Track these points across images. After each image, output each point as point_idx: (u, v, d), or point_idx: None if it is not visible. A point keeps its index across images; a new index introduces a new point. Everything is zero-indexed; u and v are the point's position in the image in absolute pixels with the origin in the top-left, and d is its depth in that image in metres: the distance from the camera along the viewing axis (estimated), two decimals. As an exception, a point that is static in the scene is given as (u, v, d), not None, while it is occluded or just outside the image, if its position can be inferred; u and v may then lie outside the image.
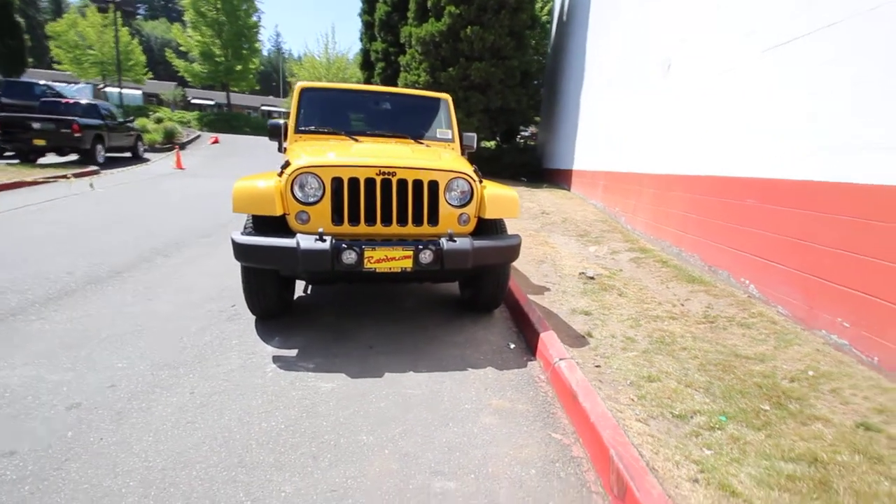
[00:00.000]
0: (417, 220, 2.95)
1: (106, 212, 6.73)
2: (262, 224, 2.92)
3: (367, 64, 18.06)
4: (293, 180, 2.82)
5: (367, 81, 18.18)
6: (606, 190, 7.37)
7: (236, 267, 4.25)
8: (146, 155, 14.87)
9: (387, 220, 2.91)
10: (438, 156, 3.45)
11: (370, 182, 2.87)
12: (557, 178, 11.35)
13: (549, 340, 2.74)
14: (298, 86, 4.09)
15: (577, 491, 1.74)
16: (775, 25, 3.55)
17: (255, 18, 30.35)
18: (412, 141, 4.02)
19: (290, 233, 2.84)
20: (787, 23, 3.43)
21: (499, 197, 3.12)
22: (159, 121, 19.81)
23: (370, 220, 2.89)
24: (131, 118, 14.83)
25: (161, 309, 3.34)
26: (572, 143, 9.97)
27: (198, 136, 20.12)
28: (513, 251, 3.03)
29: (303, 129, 3.96)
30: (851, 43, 2.87)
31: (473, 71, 11.88)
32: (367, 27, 17.56)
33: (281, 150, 4.09)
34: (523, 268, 4.58)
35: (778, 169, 3.41)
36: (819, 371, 2.50)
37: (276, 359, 2.67)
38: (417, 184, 2.93)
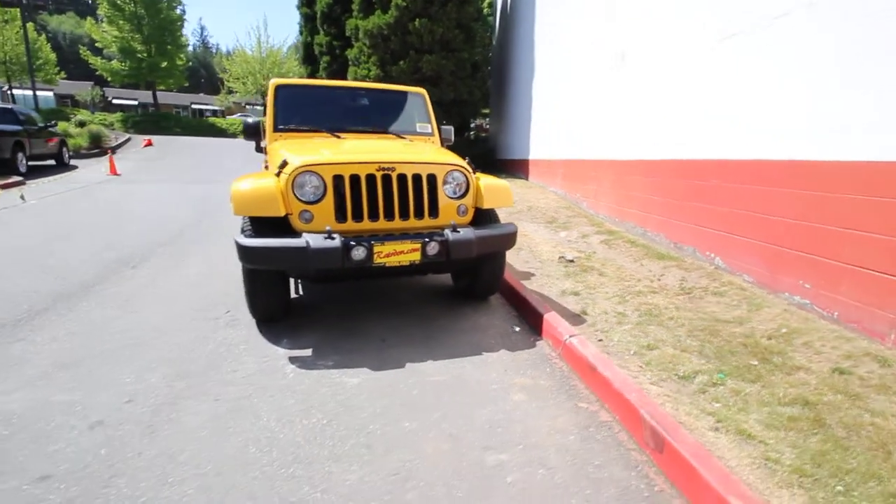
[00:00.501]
0: (418, 214, 3.02)
1: (50, 224, 6.23)
2: (262, 226, 2.87)
3: (309, 58, 17.57)
4: (294, 180, 2.80)
5: (311, 76, 17.71)
6: (566, 177, 7.70)
7: (214, 275, 4.20)
8: (73, 162, 13.71)
9: (389, 216, 2.96)
10: (427, 150, 3.52)
11: (371, 178, 2.90)
12: (513, 168, 11.65)
13: (553, 321, 2.91)
14: (273, 82, 4.00)
15: (615, 450, 1.91)
16: (729, 17, 3.90)
17: (178, 11, 28.51)
18: (394, 136, 4.06)
19: (291, 233, 2.82)
20: (740, 15, 3.78)
21: (494, 187, 3.25)
22: (82, 124, 18.26)
23: (373, 216, 2.93)
24: (53, 122, 13.57)
25: (151, 321, 3.20)
26: (527, 133, 10.27)
27: (128, 140, 18.74)
28: (511, 238, 3.17)
29: (282, 127, 3.89)
30: (799, 33, 3.23)
31: (424, 64, 11.89)
32: (308, 20, 17.06)
33: (259, 149, 3.99)
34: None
35: (736, 150, 3.77)
36: (790, 328, 2.84)
37: (292, 359, 2.66)
38: (416, 178, 3.00)
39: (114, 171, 12.19)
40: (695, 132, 4.27)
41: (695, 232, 4.30)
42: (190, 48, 43.69)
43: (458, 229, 2.97)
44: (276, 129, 3.86)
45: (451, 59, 12.14)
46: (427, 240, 2.85)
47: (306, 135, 3.88)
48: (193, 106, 41.13)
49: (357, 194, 2.89)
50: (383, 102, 4.35)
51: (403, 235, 2.88)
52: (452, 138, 4.49)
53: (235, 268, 4.51)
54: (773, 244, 3.36)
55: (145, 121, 26.68)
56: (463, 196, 3.14)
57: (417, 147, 3.57)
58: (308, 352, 2.76)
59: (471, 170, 3.19)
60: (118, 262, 4.59)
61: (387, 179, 2.94)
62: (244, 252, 2.66)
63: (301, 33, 17.69)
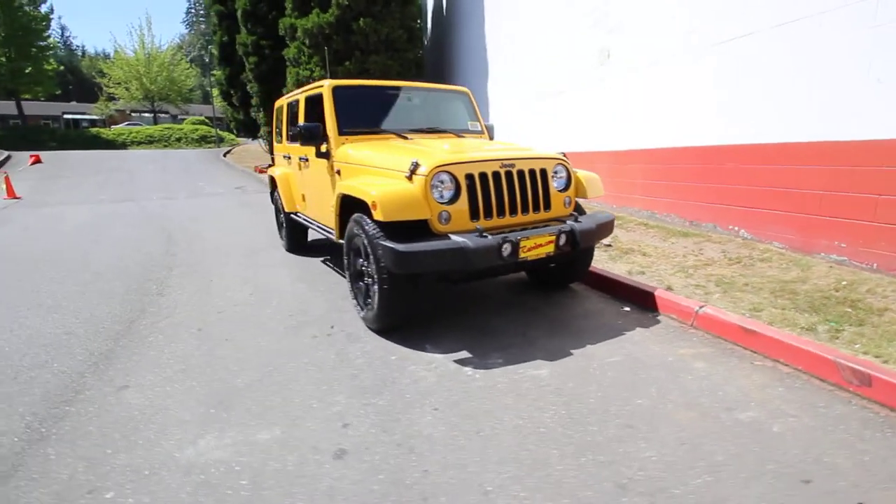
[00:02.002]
0: (535, 208, 3.11)
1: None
2: (395, 231, 2.77)
3: (227, 59, 16.33)
4: (431, 181, 2.75)
5: (232, 77, 16.50)
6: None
7: (269, 292, 3.91)
8: (-54, 185, 11.40)
9: (513, 211, 3.02)
10: (518, 146, 3.60)
11: (496, 175, 2.94)
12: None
13: (667, 296, 3.19)
14: (329, 84, 3.81)
15: (823, 392, 2.21)
16: (743, 19, 4.48)
17: (43, 10, 24.78)
18: (453, 135, 4.08)
19: (430, 235, 2.77)
20: (734, 25, 4.37)
21: (591, 179, 3.44)
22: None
23: (500, 212, 2.97)
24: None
25: (261, 346, 2.93)
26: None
27: (8, 157, 15.93)
28: (612, 226, 3.39)
29: (347, 130, 3.73)
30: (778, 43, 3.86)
31: (371, 64, 11.69)
32: (223, 18, 15.83)
33: (321, 154, 3.76)
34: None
35: (753, 136, 4.35)
36: (848, 280, 3.40)
37: (461, 362, 2.63)
38: (531, 173, 3.09)
39: (12, 195, 10.42)
40: (708, 123, 4.82)
41: (712, 209, 4.87)
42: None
43: (580, 219, 3.13)
44: (341, 133, 3.69)
45: (397, 60, 12.08)
46: (560, 231, 2.96)
47: (375, 137, 3.77)
48: (66, 116, 35.71)
49: (486, 192, 2.91)
50: (432, 102, 4.34)
51: (539, 228, 2.96)
52: (495, 136, 4.60)
53: (285, 282, 4.27)
54: (803, 213, 3.96)
55: (11, 136, 22.89)
56: (566, 188, 3.29)
57: (509, 144, 3.63)
58: (463, 353, 2.74)
59: (570, 163, 3.36)
60: (134, 292, 4.06)
61: (509, 176, 3.00)
62: (401, 258, 2.57)
63: (215, 32, 16.36)
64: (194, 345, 2.99)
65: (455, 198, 2.82)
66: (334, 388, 2.40)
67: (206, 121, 31.89)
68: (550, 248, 2.95)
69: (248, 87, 15.14)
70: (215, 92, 33.66)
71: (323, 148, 3.76)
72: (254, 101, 15.04)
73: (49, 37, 25.84)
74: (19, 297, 3.99)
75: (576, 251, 3.09)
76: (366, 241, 2.87)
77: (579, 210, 3.54)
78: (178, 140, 27.29)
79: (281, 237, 5.70)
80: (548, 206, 3.17)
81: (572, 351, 2.72)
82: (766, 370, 2.44)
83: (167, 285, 4.30)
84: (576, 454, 1.83)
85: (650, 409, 2.13)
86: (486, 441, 1.93)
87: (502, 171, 2.97)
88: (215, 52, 16.75)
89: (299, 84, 12.04)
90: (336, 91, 3.79)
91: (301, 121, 4.40)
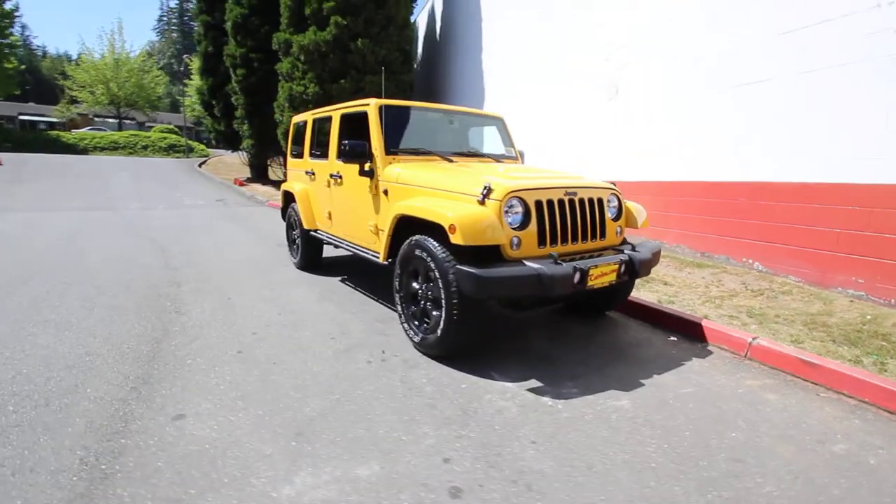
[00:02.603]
0: (593, 236, 3.14)
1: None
2: (467, 256, 2.71)
3: (211, 69, 15.97)
4: (504, 206, 2.73)
5: (215, 89, 16.11)
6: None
7: (298, 313, 3.79)
8: None
9: (574, 239, 3.03)
10: (563, 174, 3.63)
11: (560, 203, 2.96)
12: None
13: (716, 327, 3.27)
14: (376, 103, 3.76)
15: (894, 423, 2.28)
16: (754, 68, 4.76)
17: (8, 7, 23.63)
18: (492, 160, 4.10)
19: (501, 261, 2.73)
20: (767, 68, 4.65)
21: (638, 209, 3.51)
22: None
23: (563, 239, 2.97)
24: None
25: (315, 371, 2.78)
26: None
27: (-40, 156, 14.81)
28: (660, 255, 3.46)
29: (394, 150, 3.68)
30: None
31: (368, 84, 11.70)
32: (210, 28, 15.54)
33: (365, 173, 3.67)
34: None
35: (769, 173, 4.59)
36: (872, 314, 3.58)
37: (537, 391, 2.57)
38: (590, 201, 3.13)
39: (-27, 197, 9.65)
40: (723, 161, 5.05)
41: (724, 242, 5.06)
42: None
43: (637, 248, 3.18)
44: (388, 152, 3.63)
45: (393, 81, 12.14)
46: (622, 260, 2.99)
47: (420, 158, 3.73)
48: (22, 117, 33.61)
49: (553, 218, 2.91)
50: (470, 126, 4.35)
51: (604, 257, 2.98)
52: (525, 162, 4.65)
53: (310, 301, 4.12)
54: (820, 249, 4.18)
55: (-39, 134, 21.38)
56: (618, 217, 3.34)
57: (559, 172, 3.65)
58: (534, 382, 2.68)
59: (621, 193, 3.42)
60: (148, 309, 3.80)
61: (571, 203, 3.02)
62: (483, 283, 2.52)
63: (199, 42, 15.98)
64: (241, 369, 2.80)
65: (525, 223, 2.81)
66: (416, 418, 2.29)
67: (176, 130, 30.88)
68: (613, 277, 2.97)
69: (232, 99, 14.81)
70: (187, 101, 32.80)
71: (367, 166, 3.68)
72: (238, 113, 14.70)
73: (12, 34, 24.51)
74: (20, 313, 3.65)
75: (632, 280, 3.12)
76: (432, 265, 2.80)
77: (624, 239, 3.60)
78: (145, 148, 26.23)
79: (292, 254, 5.50)
80: (603, 235, 3.21)
81: (642, 381, 2.72)
82: (834, 402, 2.51)
83: (182, 302, 4.04)
84: (699, 490, 1.80)
85: (747, 442, 2.13)
86: (602, 478, 1.87)
87: (566, 199, 2.99)
88: (199, 61, 16.32)
89: (292, 99, 11.90)
90: (383, 110, 3.74)
91: (334, 138, 4.32)
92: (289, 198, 5.46)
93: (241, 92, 14.17)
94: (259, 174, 17.42)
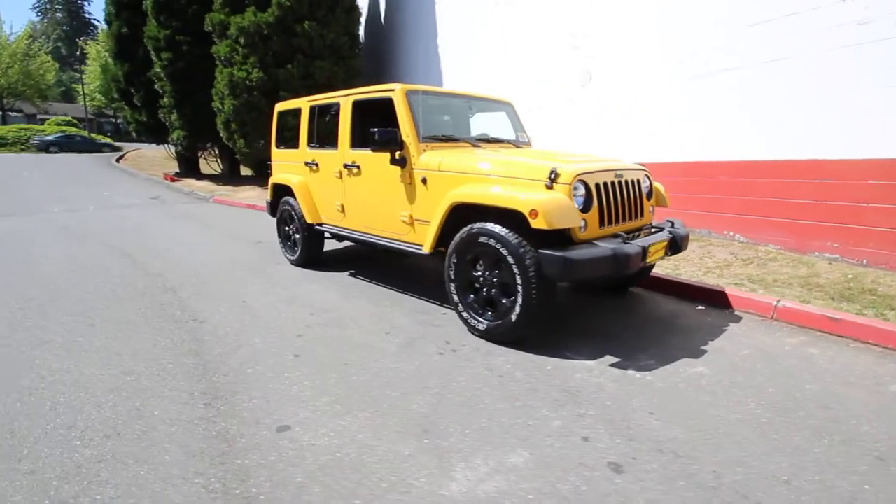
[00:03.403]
0: (634, 215, 3.30)
1: None
2: (538, 240, 2.75)
3: (126, 53, 14.38)
4: (573, 189, 2.79)
5: (132, 75, 14.54)
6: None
7: (318, 314, 3.72)
8: None
9: (622, 218, 3.17)
10: (596, 156, 3.75)
11: (612, 185, 3.08)
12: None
13: (741, 294, 3.60)
14: (401, 88, 3.63)
15: (922, 366, 2.67)
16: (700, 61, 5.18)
17: None
18: (512, 145, 4.14)
19: (571, 242, 2.80)
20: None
21: (663, 190, 3.72)
22: None
23: (616, 220, 3.10)
24: None
25: (392, 367, 2.69)
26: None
27: None
28: None
29: (427, 136, 3.59)
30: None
31: (317, 69, 11.16)
32: (123, 8, 13.95)
33: (396, 161, 3.55)
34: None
35: (747, 153, 5.05)
36: (852, 274, 4.11)
37: (616, 366, 2.68)
38: (632, 182, 3.28)
39: None
40: (706, 138, 5.47)
41: (706, 217, 5.51)
42: None
43: (675, 225, 3.39)
44: (422, 140, 3.54)
45: (343, 67, 11.69)
46: (669, 237, 3.18)
47: (450, 145, 3.67)
48: None
49: (608, 200, 3.02)
50: (486, 111, 4.33)
51: (654, 235, 3.14)
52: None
53: (333, 298, 3.95)
54: (798, 219, 4.70)
55: None
56: (650, 196, 3.53)
57: (591, 155, 3.76)
58: (610, 358, 2.79)
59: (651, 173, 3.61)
60: (160, 320, 3.48)
61: (620, 185, 3.15)
62: (571, 265, 2.57)
63: (110, 24, 14.29)
64: (313, 372, 2.64)
65: (589, 205, 2.90)
66: (528, 403, 2.31)
67: (75, 122, 27.53)
68: (662, 253, 3.16)
69: (156, 86, 13.47)
70: (88, 89, 29.22)
71: (397, 155, 3.56)
72: (164, 102, 13.41)
73: None
74: (10, 333, 3.15)
75: (674, 254, 3.33)
76: (504, 251, 2.80)
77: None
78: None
79: (286, 250, 5.19)
80: (641, 214, 3.38)
81: (703, 348, 2.93)
82: (864, 350, 2.88)
83: (191, 309, 3.70)
84: (815, 437, 2.01)
85: (823, 391, 2.40)
86: (732, 437, 2.02)
87: (616, 181, 3.11)
88: (111, 44, 14.59)
89: (233, 85, 11.06)
90: (409, 95, 3.62)
91: (346, 126, 4.11)
92: (281, 191, 5.13)
93: (167, 78, 12.94)
94: (190, 168, 16.09)
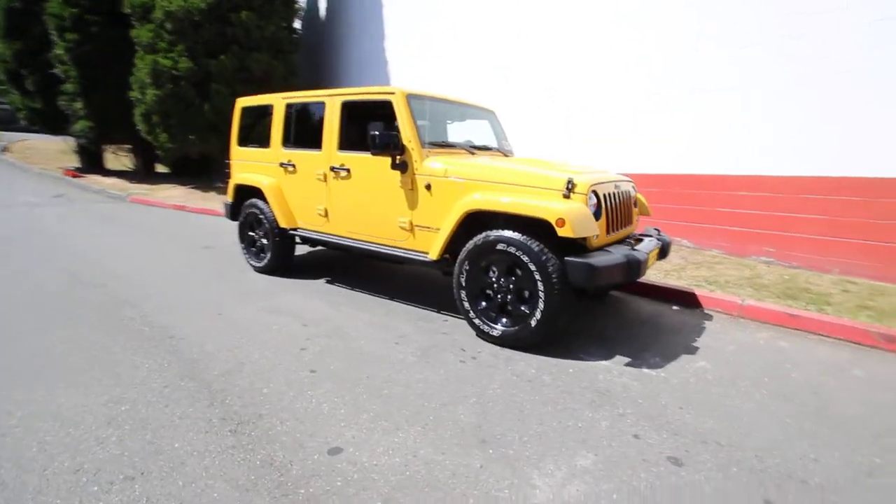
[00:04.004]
0: (625, 223, 3.53)
1: None
2: (556, 248, 2.85)
3: (17, 30, 12.51)
4: (588, 199, 2.92)
5: (23, 55, 12.66)
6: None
7: (312, 324, 3.75)
8: None
9: (619, 227, 3.38)
10: (589, 167, 3.93)
11: (613, 195, 3.27)
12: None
13: (709, 294, 3.97)
14: (401, 91, 3.56)
15: (867, 349, 3.13)
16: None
17: None
18: (501, 153, 4.23)
19: (584, 251, 2.93)
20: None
21: (645, 200, 4.00)
22: None
23: (615, 228, 3.30)
24: None
25: (415, 378, 2.64)
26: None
27: None
28: None
29: (429, 142, 3.56)
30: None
31: (254, 62, 10.51)
32: (12, -24, 12.09)
33: (397, 166, 3.47)
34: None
35: (695, 167, 5.59)
36: (788, 275, 4.70)
37: (630, 366, 2.84)
38: (625, 193, 3.50)
39: None
40: (650, 156, 5.95)
41: (659, 224, 5.99)
42: None
43: (661, 234, 3.66)
44: (425, 146, 3.49)
45: (282, 62, 11.13)
46: (659, 244, 3.43)
47: (448, 151, 3.67)
48: None
49: (610, 209, 3.20)
50: (473, 118, 4.36)
51: (647, 242, 3.37)
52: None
53: (319, 307, 3.81)
54: (739, 227, 5.29)
55: None
56: (635, 206, 3.79)
57: (581, 165, 3.93)
58: (621, 358, 2.95)
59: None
60: (136, 339, 3.11)
61: (617, 195, 3.35)
62: (594, 272, 2.69)
63: (-5, -8, 12.31)
64: (338, 388, 2.50)
65: (599, 215, 3.04)
66: (568, 406, 2.37)
67: (-66, 103, 23.29)
68: (655, 259, 3.40)
69: (57, 70, 11.85)
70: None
71: (398, 159, 3.48)
72: (67, 88, 11.85)
73: None
74: (-59, 362, 2.62)
75: (661, 259, 3.60)
76: (525, 258, 2.85)
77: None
78: None
79: (250, 257, 4.83)
80: (631, 222, 3.62)
81: (694, 345, 3.20)
82: (820, 341, 3.33)
83: (162, 325, 3.32)
84: (823, 412, 2.30)
85: (809, 379, 2.74)
86: (767, 421, 2.25)
87: (615, 191, 3.31)
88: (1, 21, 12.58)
89: (157, 74, 10.06)
90: (410, 100, 3.56)
91: (333, 127, 3.94)
92: (245, 193, 4.78)
93: (71, 62, 11.47)
94: (92, 163, 14.38)
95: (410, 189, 3.52)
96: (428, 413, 2.29)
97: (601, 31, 6.33)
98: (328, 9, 12.58)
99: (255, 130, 4.83)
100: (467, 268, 3.15)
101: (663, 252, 3.54)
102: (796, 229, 4.90)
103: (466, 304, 3.20)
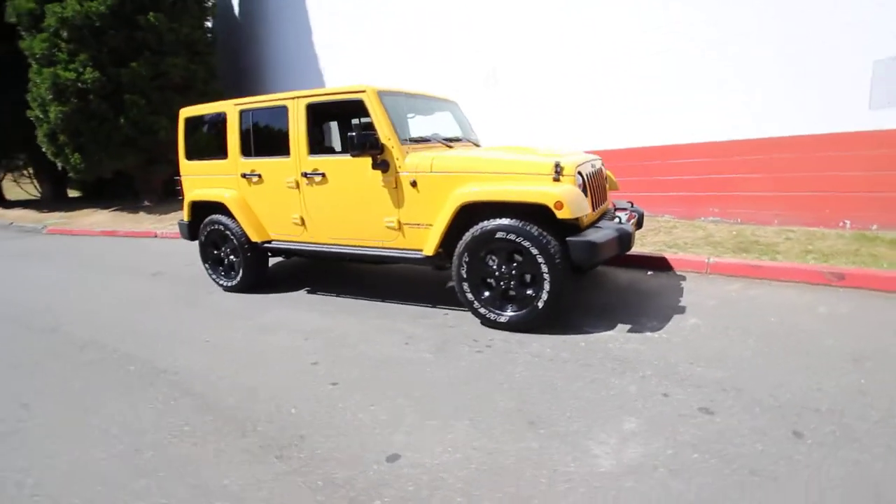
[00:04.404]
0: (602, 200, 3.72)
1: None
2: (550, 228, 2.96)
3: None
4: (575, 180, 3.05)
5: None
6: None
7: (313, 337, 3.44)
8: None
9: (599, 203, 3.56)
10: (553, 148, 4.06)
11: (592, 174, 3.43)
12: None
13: (678, 257, 4.30)
14: (371, 89, 3.50)
15: (822, 287, 3.55)
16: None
17: None
18: (472, 143, 4.28)
19: (576, 229, 3.07)
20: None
21: (612, 175, 4.22)
22: None
23: (596, 205, 3.47)
24: None
25: (440, 377, 2.65)
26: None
27: None
28: None
29: (406, 139, 3.54)
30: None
31: (171, 68, 9.76)
32: None
33: (378, 166, 3.42)
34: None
35: (645, 140, 5.96)
36: (736, 230, 5.17)
37: (634, 332, 3.02)
38: (599, 170, 3.69)
39: None
40: (602, 133, 6.26)
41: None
42: None
43: (634, 206, 3.89)
44: (403, 142, 3.46)
45: (202, 65, 10.43)
46: (635, 216, 3.66)
47: (425, 146, 3.67)
48: None
49: (592, 187, 3.37)
50: (439, 111, 4.36)
51: (627, 215, 3.57)
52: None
53: (310, 318, 3.88)
54: (688, 192, 5.72)
55: None
56: (605, 181, 4.00)
57: (551, 146, 4.05)
58: (622, 326, 3.12)
59: (602, 162, 4.06)
60: (119, 380, 2.87)
61: (594, 173, 3.52)
62: (595, 249, 2.83)
63: None
64: (369, 395, 2.46)
65: (585, 194, 3.18)
66: (595, 377, 2.50)
67: None
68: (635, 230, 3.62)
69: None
70: None
71: (378, 158, 3.43)
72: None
73: None
74: None
75: (638, 230, 3.84)
76: (526, 243, 2.94)
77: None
78: None
79: (218, 277, 4.56)
80: (605, 198, 3.82)
81: (680, 304, 3.46)
82: (782, 286, 3.72)
83: (147, 360, 3.09)
84: (808, 355, 2.59)
85: (784, 322, 3.05)
86: (763, 368, 2.49)
87: (592, 170, 3.47)
88: None
89: (60, 89, 9.06)
90: (382, 97, 3.50)
91: (300, 132, 3.79)
92: (203, 210, 4.48)
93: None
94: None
95: (394, 188, 3.48)
96: (467, 405, 2.33)
97: (545, 16, 6.52)
98: (242, 6, 11.90)
99: (205, 141, 4.52)
100: (467, 259, 3.18)
101: (639, 223, 3.78)
102: (736, 188, 5.40)
103: (470, 296, 3.24)
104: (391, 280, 4.59)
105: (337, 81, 9.87)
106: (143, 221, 9.36)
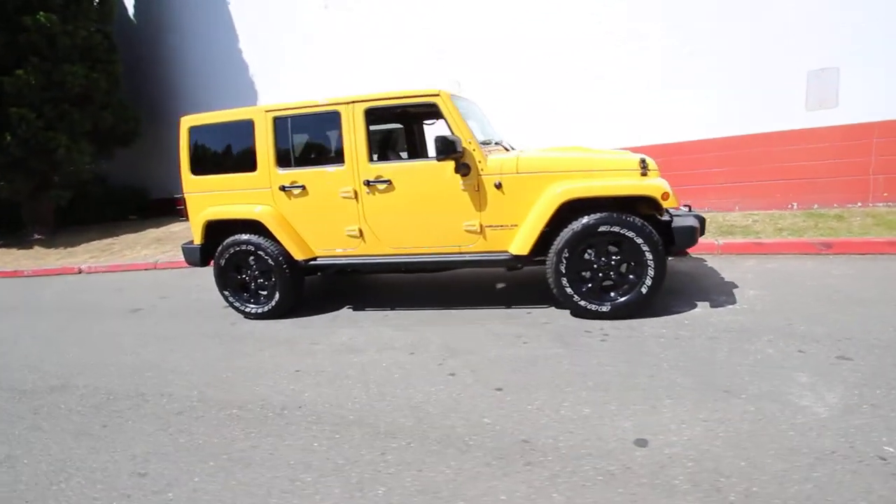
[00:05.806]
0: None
1: None
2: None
3: None
4: (659, 173, 3.34)
5: None
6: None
7: (420, 348, 3.57)
8: None
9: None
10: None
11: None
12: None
13: (689, 241, 4.82)
14: (444, 92, 3.47)
15: (814, 257, 4.28)
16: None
17: None
18: (502, 147, 4.39)
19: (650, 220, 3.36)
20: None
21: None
22: None
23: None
24: None
25: (549, 357, 2.72)
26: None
27: None
28: None
29: (482, 141, 3.56)
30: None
31: (68, 76, 8.32)
32: None
33: (459, 169, 3.38)
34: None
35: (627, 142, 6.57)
36: (709, 217, 5.93)
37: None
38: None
39: None
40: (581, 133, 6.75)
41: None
42: None
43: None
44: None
45: (104, 74, 9.05)
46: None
47: (490, 149, 3.72)
48: None
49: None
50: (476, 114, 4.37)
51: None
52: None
53: (389, 333, 3.71)
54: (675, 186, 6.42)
55: None
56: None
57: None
58: (703, 303, 3.47)
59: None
60: (192, 427, 2.52)
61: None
62: (696, 234, 3.14)
63: None
64: (549, 394, 2.43)
65: (658, 187, 3.49)
66: (732, 347, 2.75)
67: None
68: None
69: None
70: None
71: (460, 162, 3.38)
72: None
73: None
74: None
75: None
76: (630, 234, 3.13)
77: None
78: None
79: (242, 304, 4.04)
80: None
81: (726, 281, 3.93)
82: (786, 258, 4.41)
83: (270, 400, 2.67)
84: (857, 305, 3.14)
85: (817, 286, 3.63)
86: (832, 325, 2.95)
87: (640, 165, 3.81)
88: None
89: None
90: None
91: (358, 139, 3.56)
92: (220, 230, 3.96)
93: None
94: None
95: (476, 190, 3.45)
96: (649, 386, 2.41)
97: (509, 27, 6.87)
98: (140, 11, 10.59)
99: (219, 153, 4.01)
100: (567, 255, 3.28)
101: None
102: (704, 182, 6.23)
103: (569, 290, 3.32)
104: (433, 288, 4.47)
105: (271, 96, 9.27)
106: (46, 257, 7.79)
